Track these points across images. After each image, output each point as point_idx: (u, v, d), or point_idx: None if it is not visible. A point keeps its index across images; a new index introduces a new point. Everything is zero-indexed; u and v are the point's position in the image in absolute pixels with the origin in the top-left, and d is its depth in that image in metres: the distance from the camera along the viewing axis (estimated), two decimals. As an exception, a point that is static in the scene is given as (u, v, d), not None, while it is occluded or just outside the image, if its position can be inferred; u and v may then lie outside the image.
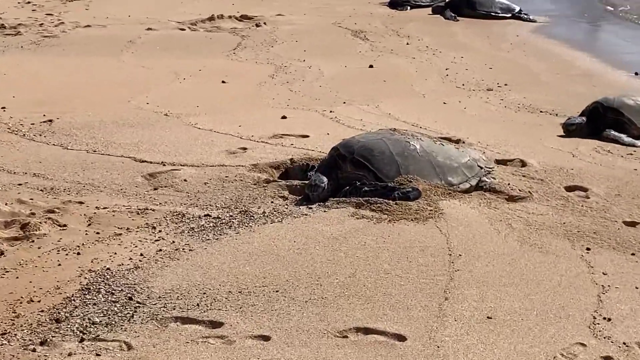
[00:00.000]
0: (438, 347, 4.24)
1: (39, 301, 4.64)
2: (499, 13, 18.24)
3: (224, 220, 5.84)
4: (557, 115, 9.52)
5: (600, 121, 8.51)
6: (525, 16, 17.94)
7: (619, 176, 7.02)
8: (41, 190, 6.43)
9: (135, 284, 4.83)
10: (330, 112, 9.26)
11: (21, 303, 4.62)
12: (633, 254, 5.48)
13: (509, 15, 18.23)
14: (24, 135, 7.98)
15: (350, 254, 5.27)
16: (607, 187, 6.72)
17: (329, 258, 5.20)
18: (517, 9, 17.97)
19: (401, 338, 4.31)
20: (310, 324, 4.42)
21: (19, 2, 16.79)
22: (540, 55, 13.52)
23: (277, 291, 4.76)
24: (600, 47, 15.22)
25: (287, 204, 6.16)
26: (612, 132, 8.37)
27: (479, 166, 6.64)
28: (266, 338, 4.29)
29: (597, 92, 10.09)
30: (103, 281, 4.86)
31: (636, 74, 11.89)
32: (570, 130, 8.51)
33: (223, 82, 10.90)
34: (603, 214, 6.14)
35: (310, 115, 9.14)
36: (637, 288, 4.98)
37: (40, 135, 8.00)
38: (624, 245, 5.62)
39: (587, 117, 8.59)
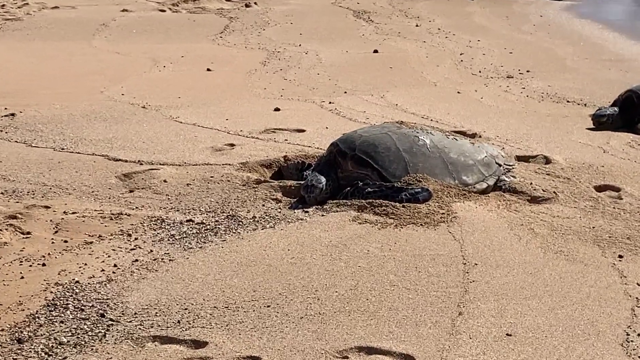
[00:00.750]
0: (451, 368, 4.25)
1: (-1, 319, 4.64)
2: (520, -10, 18.26)
3: (208, 226, 5.84)
4: (585, 105, 9.53)
5: (634, 112, 8.52)
6: (551, -6, 17.96)
7: (655, 174, 7.04)
8: (2, 193, 6.43)
9: (108, 299, 4.82)
10: (330, 103, 9.27)
11: (-21, 321, 4.62)
12: (672, 262, 5.48)
13: (532, -8, 18.24)
14: (-17, 131, 8.00)
15: (351, 264, 5.26)
16: (642, 187, 6.72)
17: (328, 268, 5.20)
18: (541, -15, 18.03)
19: (409, 358, 4.30)
20: (306, 342, 4.42)
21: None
22: (567, 37, 13.54)
23: (268, 306, 4.76)
24: (634, 27, 15.22)
25: (280, 208, 6.16)
26: (648, 124, 8.39)
27: (497, 163, 6.64)
28: (256, 359, 4.28)
29: (630, 78, 10.10)
30: (71, 296, 4.85)
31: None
32: (601, 122, 8.52)
33: (208, 70, 10.91)
34: (638, 217, 6.13)
35: (307, 106, 9.14)
36: (676, 300, 4.98)
37: (0, 131, 8.00)
38: (662, 252, 5.62)
39: (619, 108, 8.60)
